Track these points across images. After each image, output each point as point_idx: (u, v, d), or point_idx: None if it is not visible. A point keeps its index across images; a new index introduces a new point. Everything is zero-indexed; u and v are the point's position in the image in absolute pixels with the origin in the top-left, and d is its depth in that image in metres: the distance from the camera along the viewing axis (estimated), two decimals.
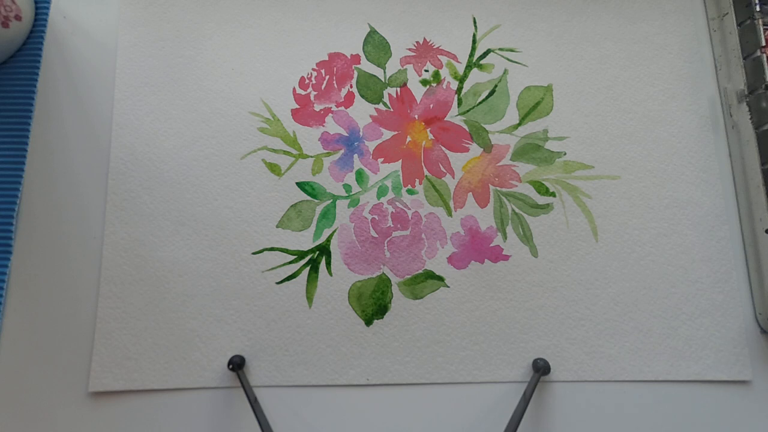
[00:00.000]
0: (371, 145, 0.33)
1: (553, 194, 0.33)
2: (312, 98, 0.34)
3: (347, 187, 0.33)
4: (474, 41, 0.36)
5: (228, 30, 0.35)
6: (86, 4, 0.36)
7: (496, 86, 0.35)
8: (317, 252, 0.31)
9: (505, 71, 0.35)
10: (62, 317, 0.30)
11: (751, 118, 0.33)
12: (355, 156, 0.33)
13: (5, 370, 0.29)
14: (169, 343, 0.29)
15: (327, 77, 0.35)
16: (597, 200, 0.33)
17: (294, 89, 0.34)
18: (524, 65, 0.35)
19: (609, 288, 0.31)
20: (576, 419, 0.29)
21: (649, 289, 0.31)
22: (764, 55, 0.33)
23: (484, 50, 0.36)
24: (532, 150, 0.34)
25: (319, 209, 0.32)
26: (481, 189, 0.33)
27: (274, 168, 0.33)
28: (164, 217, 0.32)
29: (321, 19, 0.36)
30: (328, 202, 0.32)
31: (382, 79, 0.35)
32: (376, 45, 0.35)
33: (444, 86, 0.35)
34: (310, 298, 0.31)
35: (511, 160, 0.33)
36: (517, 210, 0.32)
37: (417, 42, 0.36)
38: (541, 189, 0.33)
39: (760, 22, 0.33)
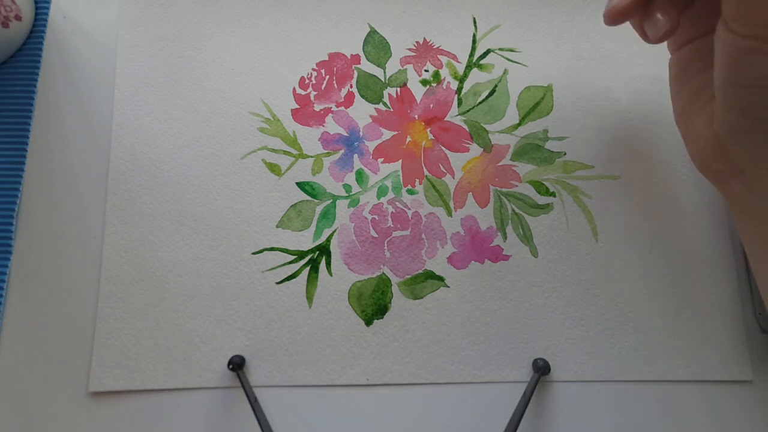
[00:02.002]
0: (371, 145, 0.33)
1: (553, 194, 0.33)
2: (312, 98, 0.34)
3: (347, 187, 0.33)
4: (474, 41, 0.36)
5: (228, 30, 0.35)
6: (86, 4, 0.36)
7: (496, 86, 0.35)
8: (317, 252, 0.31)
9: (505, 71, 0.35)
10: (62, 317, 0.30)
11: None
12: (355, 156, 0.33)
13: (5, 370, 0.29)
14: (169, 343, 0.29)
15: (327, 77, 0.35)
16: (597, 200, 0.33)
17: (294, 89, 0.34)
18: (524, 65, 0.35)
19: (609, 288, 0.31)
20: (576, 419, 0.29)
21: (649, 289, 0.31)
22: None
23: (484, 50, 0.36)
24: (532, 150, 0.34)
25: (319, 209, 0.32)
26: (481, 189, 0.33)
27: (274, 168, 0.33)
28: (164, 217, 0.32)
29: (321, 19, 0.36)
30: (328, 202, 0.32)
31: (382, 79, 0.35)
32: (376, 45, 0.35)
33: (444, 86, 0.35)
34: (310, 298, 0.31)
35: (511, 160, 0.33)
36: (517, 210, 0.32)
37: (417, 42, 0.36)
38: (541, 189, 0.33)
39: None
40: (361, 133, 0.34)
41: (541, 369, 0.29)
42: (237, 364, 0.29)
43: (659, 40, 0.25)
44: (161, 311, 0.30)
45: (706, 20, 0.25)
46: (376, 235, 0.32)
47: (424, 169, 0.33)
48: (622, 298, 0.31)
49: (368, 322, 0.30)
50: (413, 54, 0.35)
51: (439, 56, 0.35)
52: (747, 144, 0.23)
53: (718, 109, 0.23)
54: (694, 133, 0.26)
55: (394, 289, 0.31)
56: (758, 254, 0.26)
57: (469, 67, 0.35)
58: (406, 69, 0.35)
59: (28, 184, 0.32)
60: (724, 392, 0.30)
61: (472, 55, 0.35)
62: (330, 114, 0.34)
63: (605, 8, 0.26)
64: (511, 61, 0.35)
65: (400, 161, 0.33)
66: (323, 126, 0.34)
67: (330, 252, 0.31)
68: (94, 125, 0.33)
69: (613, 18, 0.26)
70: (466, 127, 0.34)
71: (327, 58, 0.35)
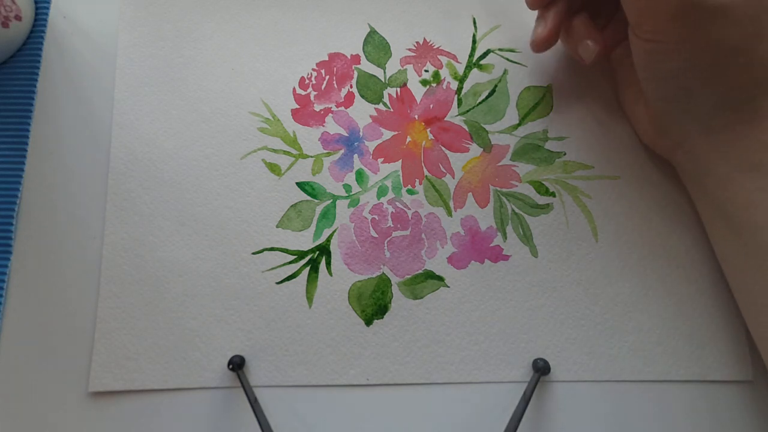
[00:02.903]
0: (371, 145, 0.33)
1: (553, 194, 0.33)
2: (312, 98, 0.34)
3: (347, 187, 0.33)
4: (474, 41, 0.36)
5: (228, 30, 0.35)
6: (86, 4, 0.36)
7: (496, 86, 0.35)
8: (317, 252, 0.31)
9: (505, 71, 0.35)
10: (62, 317, 0.30)
11: None
12: (355, 156, 0.33)
13: (5, 370, 0.29)
14: (169, 343, 0.29)
15: (327, 77, 0.35)
16: (597, 200, 0.33)
17: (294, 89, 0.34)
18: (524, 65, 0.35)
19: (609, 288, 0.31)
20: (576, 419, 0.29)
21: (649, 288, 0.31)
22: None
23: (484, 50, 0.36)
24: (532, 150, 0.34)
25: (319, 209, 0.32)
26: (481, 189, 0.33)
27: (274, 168, 0.33)
28: (164, 217, 0.32)
29: (321, 19, 0.36)
30: (328, 202, 0.32)
31: (382, 79, 0.35)
32: (376, 45, 0.35)
33: (444, 86, 0.35)
34: (310, 298, 0.31)
35: (511, 160, 0.33)
36: (517, 210, 0.32)
37: (417, 42, 0.36)
38: (541, 189, 0.33)
39: None
40: (361, 133, 0.34)
41: (541, 369, 0.29)
42: (237, 364, 0.29)
43: (593, 62, 0.30)
44: (161, 311, 0.30)
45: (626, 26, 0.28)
46: (376, 235, 0.32)
47: (424, 169, 0.33)
48: (622, 298, 0.31)
49: (368, 322, 0.30)
50: (413, 54, 0.35)
51: (439, 56, 0.35)
52: (674, 121, 0.28)
53: (646, 97, 0.29)
54: (638, 117, 0.32)
55: (394, 289, 0.31)
56: (710, 222, 0.30)
57: (469, 67, 0.35)
58: (406, 69, 0.35)
59: (28, 184, 0.32)
60: (724, 392, 0.30)
61: (472, 55, 0.35)
62: (330, 114, 0.34)
63: (530, 38, 0.32)
64: (511, 61, 0.35)
65: (400, 161, 0.33)
66: (323, 126, 0.34)
67: (330, 252, 0.31)
68: (94, 125, 0.33)
69: (538, 47, 0.32)
70: (466, 127, 0.34)
71: (327, 58, 0.35)
